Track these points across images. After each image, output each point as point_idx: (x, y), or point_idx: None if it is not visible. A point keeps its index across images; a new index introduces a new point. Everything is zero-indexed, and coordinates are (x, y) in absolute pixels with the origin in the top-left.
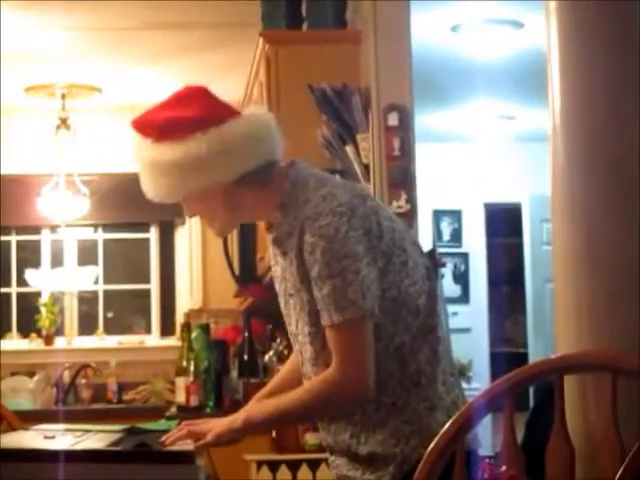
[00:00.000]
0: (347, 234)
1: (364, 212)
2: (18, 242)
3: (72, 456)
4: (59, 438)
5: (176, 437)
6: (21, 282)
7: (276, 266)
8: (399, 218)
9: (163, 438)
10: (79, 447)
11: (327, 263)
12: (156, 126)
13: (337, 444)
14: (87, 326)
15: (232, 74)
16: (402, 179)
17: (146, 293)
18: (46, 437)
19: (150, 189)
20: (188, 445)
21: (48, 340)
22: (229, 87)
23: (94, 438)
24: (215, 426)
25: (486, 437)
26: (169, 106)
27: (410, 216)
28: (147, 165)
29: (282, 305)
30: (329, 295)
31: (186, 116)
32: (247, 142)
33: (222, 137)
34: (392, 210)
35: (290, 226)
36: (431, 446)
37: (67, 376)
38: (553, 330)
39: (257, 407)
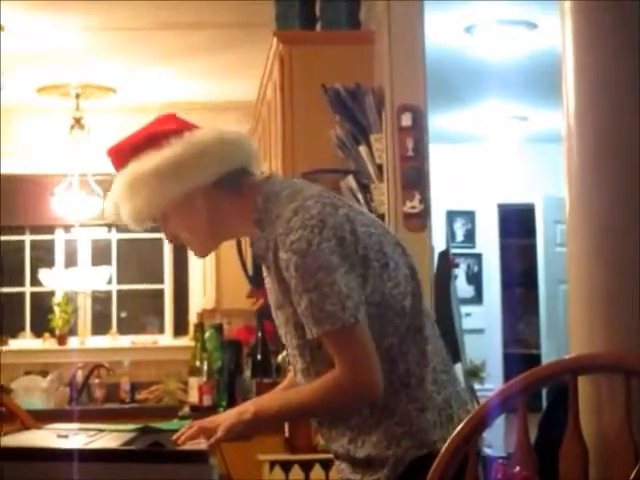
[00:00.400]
0: (320, 246)
1: (336, 221)
2: (32, 242)
3: (85, 455)
4: (72, 437)
5: (187, 436)
6: (35, 282)
7: (266, 278)
8: (378, 219)
9: (174, 437)
10: (92, 446)
11: (302, 278)
12: (130, 145)
13: (338, 450)
14: (100, 326)
15: (245, 74)
16: (416, 179)
17: (159, 293)
18: (59, 436)
19: (130, 209)
20: (201, 444)
21: (61, 340)
22: (242, 87)
23: (107, 437)
24: (224, 419)
25: (498, 438)
26: (143, 128)
27: (424, 216)
28: (126, 185)
29: (274, 317)
30: (307, 309)
31: (160, 129)
32: (221, 145)
33: (196, 140)
34: (404, 211)
35: (266, 242)
36: (444, 447)
37: (80, 376)
38: (567, 331)
39: (267, 399)
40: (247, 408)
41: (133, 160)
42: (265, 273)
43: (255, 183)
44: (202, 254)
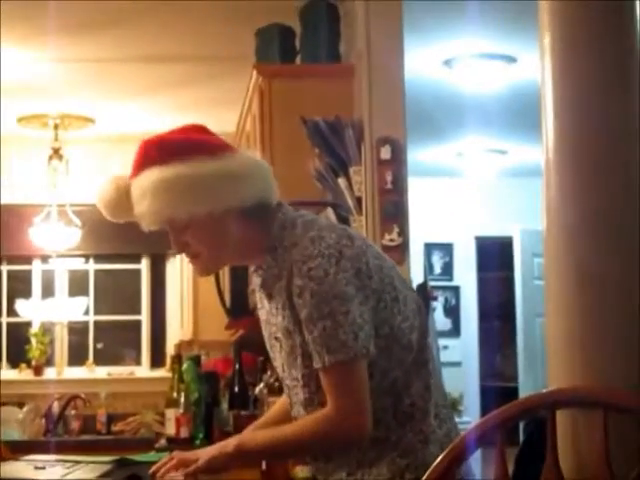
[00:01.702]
0: (336, 276)
1: (352, 253)
2: (9, 272)
3: None
4: (49, 469)
5: (167, 468)
6: (11, 312)
7: (262, 309)
8: (386, 255)
9: (154, 468)
10: (70, 478)
11: (316, 305)
12: (167, 146)
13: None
14: (77, 357)
15: (225, 107)
16: (394, 212)
17: (136, 324)
18: (36, 468)
19: (153, 207)
20: (178, 477)
21: (38, 370)
22: (222, 120)
23: (85, 469)
24: (206, 452)
25: (476, 472)
26: (178, 132)
27: (402, 249)
28: (157, 183)
29: (268, 348)
30: (320, 337)
31: (200, 138)
32: (260, 171)
33: (237, 163)
34: (382, 244)
35: (279, 269)
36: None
37: (56, 407)
38: (544, 364)
39: (250, 435)
40: (229, 442)
41: (175, 160)
42: (261, 304)
43: (271, 211)
44: (205, 272)
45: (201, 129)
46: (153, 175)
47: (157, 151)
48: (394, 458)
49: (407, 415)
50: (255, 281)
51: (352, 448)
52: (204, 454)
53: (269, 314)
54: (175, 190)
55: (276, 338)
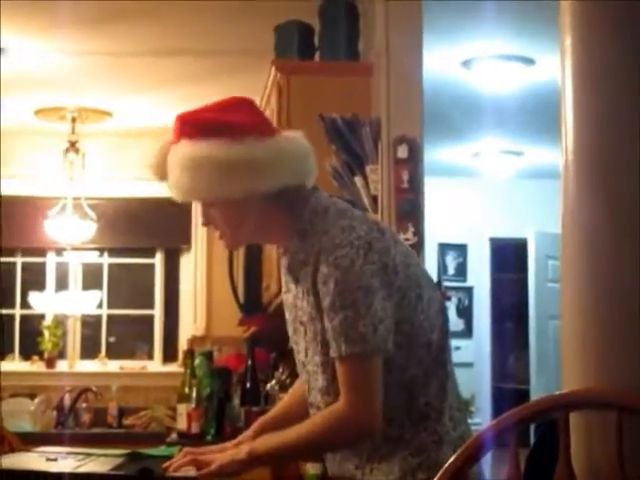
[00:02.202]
0: (363, 267)
1: (382, 246)
2: (23, 264)
3: (75, 479)
4: (61, 461)
5: (179, 464)
6: (25, 304)
7: (287, 293)
8: (414, 253)
9: (166, 464)
10: (82, 470)
11: (340, 294)
12: (207, 124)
13: (342, 474)
14: (89, 350)
15: None
16: (410, 212)
17: (150, 319)
18: (48, 459)
19: (184, 182)
20: (190, 472)
21: (50, 363)
22: None
23: (96, 462)
24: (219, 458)
25: (486, 473)
26: (217, 109)
27: (417, 249)
28: (191, 158)
29: (290, 333)
30: (340, 326)
31: (239, 120)
32: (293, 158)
33: (278, 146)
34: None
35: (306, 255)
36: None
37: (68, 399)
38: (556, 367)
39: (262, 440)
40: (241, 448)
41: (207, 139)
42: (286, 288)
43: (304, 196)
44: (231, 247)
45: (244, 105)
46: (182, 150)
47: (190, 127)
48: (406, 456)
49: (422, 414)
50: (282, 263)
51: (362, 443)
52: (218, 458)
53: (295, 298)
54: (199, 169)
55: (301, 322)
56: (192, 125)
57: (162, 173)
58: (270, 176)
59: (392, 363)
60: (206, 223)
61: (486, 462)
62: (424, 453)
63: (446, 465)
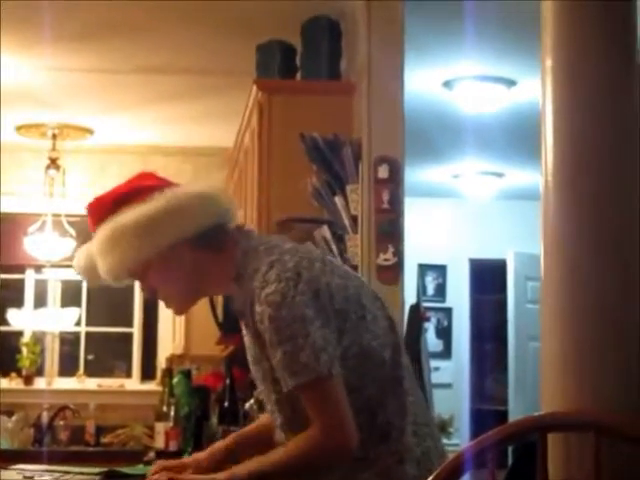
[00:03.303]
0: (294, 299)
1: (311, 275)
2: (2, 280)
3: None
4: (38, 478)
5: (156, 478)
6: (3, 321)
7: (246, 336)
8: (354, 272)
9: None
10: None
11: (276, 330)
12: (112, 200)
13: None
14: (68, 367)
15: (224, 121)
16: (390, 232)
17: (128, 337)
18: (25, 477)
19: (108, 264)
20: None
21: (28, 380)
22: (220, 133)
23: None
24: (197, 478)
25: None
26: (122, 185)
27: (396, 269)
28: (105, 239)
29: (253, 373)
30: (282, 361)
31: (142, 184)
32: (199, 201)
33: (176, 195)
34: (377, 263)
35: (245, 297)
36: None
37: (46, 417)
38: (535, 388)
39: (241, 465)
40: (218, 475)
41: (112, 215)
42: (244, 330)
43: (233, 239)
44: (180, 311)
45: (146, 175)
46: (98, 236)
47: (95, 212)
48: (371, 476)
49: (383, 433)
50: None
51: (341, 462)
52: (194, 478)
53: (249, 341)
54: (114, 244)
55: (255, 363)
56: (97, 209)
57: (93, 276)
58: (181, 222)
59: (347, 385)
60: (150, 295)
61: None
62: (387, 473)
63: None
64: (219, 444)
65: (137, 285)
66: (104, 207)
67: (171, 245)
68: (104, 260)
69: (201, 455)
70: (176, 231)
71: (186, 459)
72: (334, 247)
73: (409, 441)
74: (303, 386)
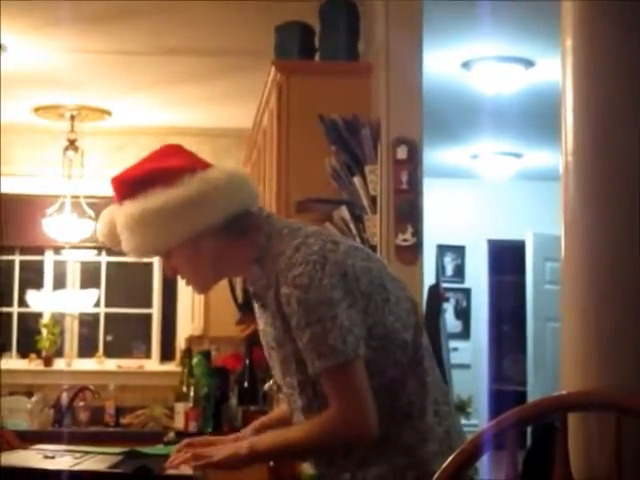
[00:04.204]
0: (322, 281)
1: (337, 257)
2: (21, 262)
3: (73, 477)
4: (59, 458)
5: (181, 460)
6: (23, 302)
7: (260, 319)
8: (376, 255)
9: (168, 461)
10: (80, 468)
11: (304, 312)
12: (138, 179)
13: None
14: (87, 348)
15: (242, 102)
16: (409, 212)
17: (147, 318)
18: (46, 457)
19: (134, 243)
20: (187, 470)
21: (47, 361)
22: (238, 114)
23: (94, 460)
24: (219, 451)
25: (483, 475)
26: (150, 160)
27: (415, 250)
28: (134, 219)
29: (267, 356)
30: (310, 343)
31: (169, 165)
32: (230, 188)
33: (206, 180)
34: (396, 244)
35: (268, 279)
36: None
37: (65, 398)
38: (554, 369)
39: (262, 437)
40: (243, 444)
41: (141, 193)
42: (258, 314)
43: (256, 223)
44: (202, 291)
45: (173, 150)
46: (124, 212)
47: (124, 187)
48: (394, 457)
49: (404, 414)
50: (250, 292)
51: (359, 446)
52: (218, 452)
53: (265, 324)
54: (142, 225)
55: (272, 347)
56: (125, 184)
57: (114, 241)
58: (212, 209)
59: (371, 366)
60: (172, 275)
61: (483, 464)
62: (410, 452)
63: (444, 465)
64: (246, 429)
65: (156, 265)
66: (131, 183)
67: (200, 231)
68: (130, 237)
69: (228, 437)
70: (204, 219)
71: (212, 437)
72: (353, 227)
73: (431, 420)
74: (330, 369)
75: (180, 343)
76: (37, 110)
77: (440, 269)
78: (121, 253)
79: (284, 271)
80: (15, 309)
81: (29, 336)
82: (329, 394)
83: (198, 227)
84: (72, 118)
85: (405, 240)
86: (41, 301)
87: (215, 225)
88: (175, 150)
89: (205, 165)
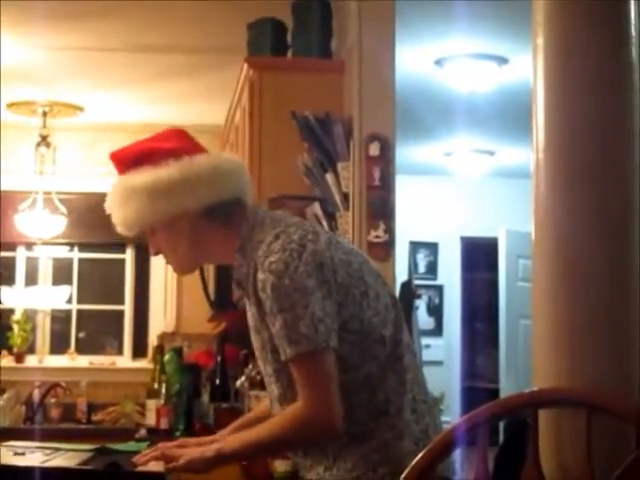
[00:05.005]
0: (297, 269)
1: (316, 247)
2: None
3: (43, 473)
4: (29, 455)
5: (148, 458)
6: None
7: (248, 310)
8: (358, 249)
9: (136, 458)
10: (50, 464)
11: (277, 298)
12: (131, 156)
13: (312, 478)
14: (59, 345)
15: (215, 99)
16: (381, 209)
17: (119, 314)
18: (16, 454)
19: (120, 216)
20: (158, 467)
21: (19, 358)
22: (211, 111)
23: (64, 456)
24: (187, 453)
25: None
26: (148, 140)
27: (387, 246)
28: (119, 193)
29: (253, 342)
30: (281, 330)
31: (161, 146)
32: (216, 174)
33: (193, 165)
34: (368, 240)
35: (248, 267)
36: (403, 475)
37: (37, 394)
38: (526, 366)
39: (230, 439)
40: (211, 447)
41: (132, 171)
42: (247, 305)
43: (243, 214)
44: (179, 271)
45: (174, 133)
46: (114, 187)
47: (119, 163)
48: (368, 453)
49: (381, 410)
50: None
51: (326, 441)
52: (187, 454)
53: (249, 311)
54: (127, 200)
55: (255, 332)
56: (120, 160)
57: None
58: (191, 194)
59: (347, 361)
60: (155, 252)
61: (455, 460)
62: (385, 448)
63: (415, 460)
64: (225, 430)
65: (129, 262)
66: (127, 159)
67: (181, 213)
68: (117, 211)
69: (205, 438)
70: (184, 202)
71: (189, 439)
72: (325, 224)
73: (407, 418)
74: (299, 356)
75: (152, 340)
76: (10, 106)
77: (413, 266)
78: (93, 249)
79: (262, 257)
80: None
81: (1, 333)
82: (297, 383)
83: (177, 209)
84: (44, 114)
85: (377, 237)
86: (13, 297)
87: (195, 209)
88: (175, 134)
89: (198, 151)
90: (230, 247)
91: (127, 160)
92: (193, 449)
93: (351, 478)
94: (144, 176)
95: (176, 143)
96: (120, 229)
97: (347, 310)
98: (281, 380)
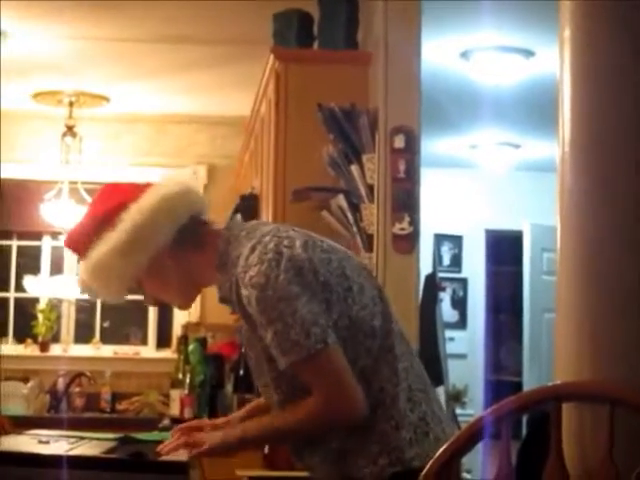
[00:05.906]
0: (278, 278)
1: (292, 253)
2: (19, 247)
3: (67, 461)
4: (53, 443)
5: (172, 447)
6: (19, 287)
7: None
8: (338, 245)
9: (160, 447)
10: (74, 453)
11: (264, 311)
12: (86, 231)
13: (316, 473)
14: (83, 334)
15: (240, 90)
16: (406, 201)
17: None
18: (40, 442)
19: (106, 290)
20: (182, 456)
21: (44, 347)
22: (236, 102)
23: (88, 445)
24: (210, 438)
25: (476, 463)
26: (92, 210)
27: (412, 239)
28: (92, 271)
29: (246, 354)
30: (273, 341)
31: (106, 208)
32: (165, 205)
33: (142, 208)
34: (392, 233)
35: (230, 283)
36: (425, 470)
37: (61, 384)
38: (549, 360)
39: (251, 424)
40: (233, 432)
41: (91, 245)
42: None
43: (214, 230)
44: (184, 307)
45: (111, 190)
46: (83, 268)
47: (73, 246)
48: (367, 444)
49: (377, 401)
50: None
51: (351, 423)
52: (209, 439)
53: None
54: (105, 271)
55: (247, 346)
56: (74, 243)
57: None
58: (155, 233)
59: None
60: (153, 302)
61: (476, 453)
62: (384, 440)
63: (437, 455)
64: (237, 413)
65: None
66: (80, 241)
67: (154, 254)
68: (98, 287)
69: (219, 420)
70: (153, 243)
71: (205, 420)
72: (350, 216)
73: (403, 407)
74: (296, 363)
75: (176, 330)
76: (36, 96)
77: (437, 258)
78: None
79: (241, 273)
80: (12, 294)
81: (25, 321)
82: (309, 386)
83: (150, 252)
84: (70, 104)
85: (402, 229)
86: (38, 286)
87: (164, 244)
88: (110, 189)
89: (137, 192)
90: (210, 267)
91: (82, 239)
92: (213, 434)
93: (354, 471)
94: (107, 243)
95: (117, 197)
96: (113, 300)
97: (335, 308)
98: (281, 387)
